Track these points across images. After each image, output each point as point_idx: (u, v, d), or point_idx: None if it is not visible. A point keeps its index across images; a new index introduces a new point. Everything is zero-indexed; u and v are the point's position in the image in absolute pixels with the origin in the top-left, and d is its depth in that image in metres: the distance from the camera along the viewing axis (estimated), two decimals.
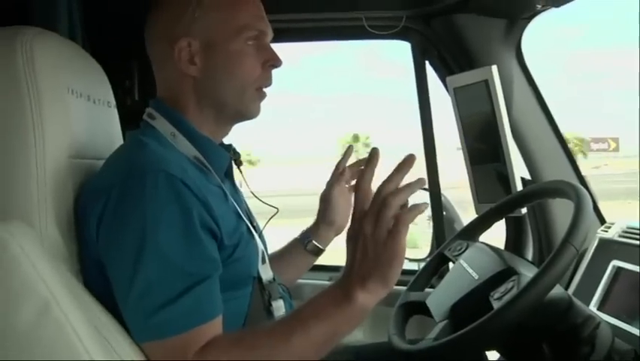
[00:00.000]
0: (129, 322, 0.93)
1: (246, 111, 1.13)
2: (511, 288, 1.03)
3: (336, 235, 1.41)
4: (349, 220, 0.95)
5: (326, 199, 1.39)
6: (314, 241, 1.39)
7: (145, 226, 0.91)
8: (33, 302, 0.80)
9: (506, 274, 1.08)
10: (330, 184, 1.39)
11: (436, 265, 1.33)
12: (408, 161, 0.93)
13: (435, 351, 1.02)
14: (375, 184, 0.94)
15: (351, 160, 1.40)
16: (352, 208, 0.95)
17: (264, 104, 1.15)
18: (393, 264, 0.91)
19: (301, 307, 0.97)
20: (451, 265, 1.31)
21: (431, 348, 1.03)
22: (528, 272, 1.06)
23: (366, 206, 0.92)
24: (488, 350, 1.28)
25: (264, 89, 1.13)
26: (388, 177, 0.92)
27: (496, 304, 1.01)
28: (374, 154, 0.95)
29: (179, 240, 0.92)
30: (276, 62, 1.12)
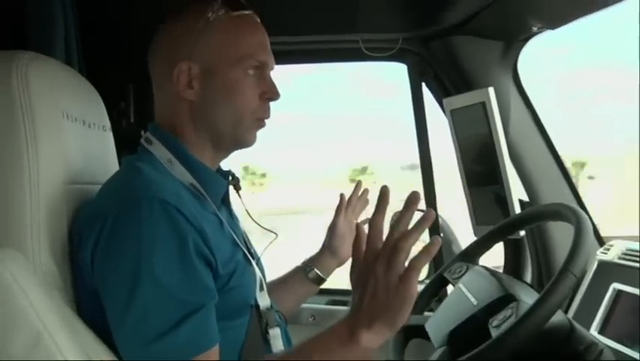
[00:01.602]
0: (124, 352, 0.91)
1: (242, 140, 1.12)
2: (510, 315, 1.02)
3: (339, 265, 1.41)
4: (356, 258, 0.93)
5: (332, 229, 1.40)
6: (316, 270, 1.39)
7: (140, 254, 0.90)
8: (25, 333, 0.79)
9: (505, 300, 1.07)
10: (338, 215, 1.40)
11: (436, 288, 1.33)
12: (413, 199, 0.91)
13: None
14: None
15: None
16: (363, 247, 0.92)
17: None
18: (402, 308, 0.89)
19: (306, 342, 0.95)
20: (449, 287, 1.30)
21: None
22: (527, 298, 1.06)
23: (378, 247, 0.90)
24: None
25: (264, 121, 1.12)
26: (398, 219, 0.90)
27: (494, 332, 1.00)
28: (384, 193, 0.92)
29: (174, 268, 0.91)
30: (273, 95, 1.11)
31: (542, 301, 0.95)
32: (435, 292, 1.33)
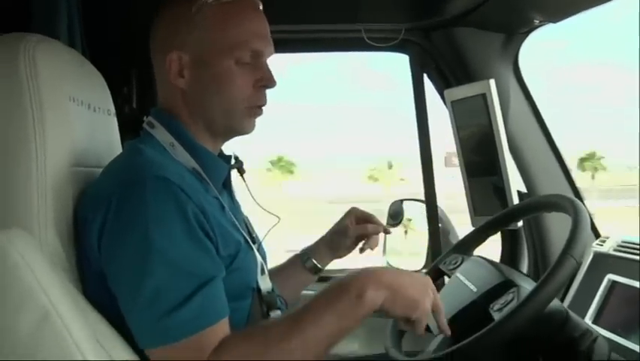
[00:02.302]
0: (137, 329, 0.92)
1: (237, 128, 1.12)
2: (512, 300, 1.04)
3: (335, 258, 1.41)
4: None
5: (344, 232, 1.38)
6: (313, 260, 1.39)
7: (147, 233, 0.91)
8: (33, 311, 0.80)
9: (505, 286, 1.09)
10: (358, 217, 1.38)
11: (432, 280, 1.34)
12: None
13: None
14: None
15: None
16: None
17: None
18: (415, 307, 0.97)
19: (313, 301, 0.96)
20: (446, 279, 1.31)
21: (433, 359, 1.04)
22: (526, 284, 1.07)
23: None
24: None
25: (260, 108, 1.12)
26: None
27: (496, 316, 1.02)
28: None
29: (182, 243, 0.93)
30: (268, 82, 1.10)
31: (544, 284, 0.97)
32: None
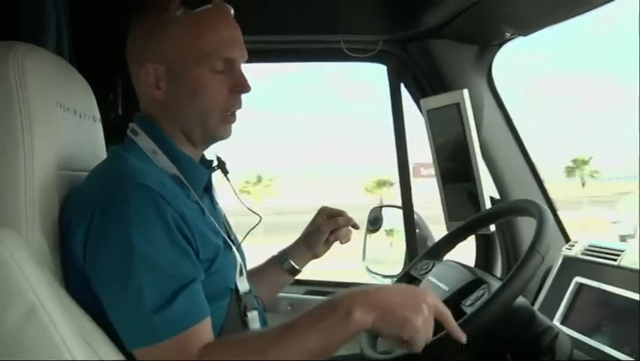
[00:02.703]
0: (123, 331, 0.95)
1: (214, 134, 1.14)
2: (482, 295, 1.08)
3: (312, 258, 1.44)
4: None
5: (318, 229, 1.41)
6: (290, 261, 1.42)
7: (130, 238, 0.94)
8: (20, 306, 0.83)
9: (476, 283, 1.14)
10: (329, 215, 1.42)
11: None
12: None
13: (413, 358, 1.03)
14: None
15: None
16: None
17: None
18: (404, 325, 0.95)
19: (300, 316, 0.98)
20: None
21: (406, 356, 1.06)
22: (496, 282, 1.11)
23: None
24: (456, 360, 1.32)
25: (233, 114, 1.14)
26: None
27: (468, 311, 1.06)
28: None
29: (163, 247, 0.96)
30: (242, 88, 1.12)
31: (513, 278, 1.02)
32: None
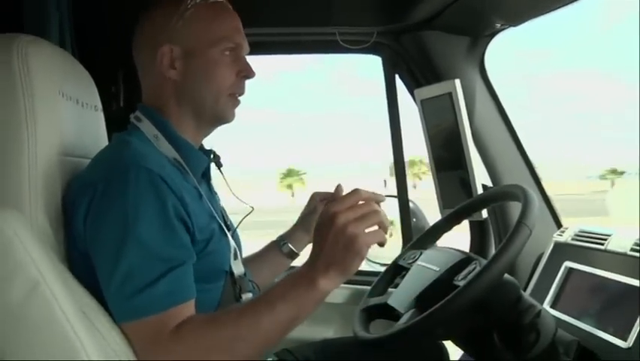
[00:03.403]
0: (112, 305, 1.00)
1: (222, 115, 1.22)
2: (474, 268, 1.11)
3: (310, 241, 1.48)
4: (324, 211, 1.03)
5: (313, 209, 1.49)
6: (289, 244, 1.48)
7: (126, 217, 0.99)
8: (23, 281, 0.88)
9: (467, 261, 1.16)
10: (322, 198, 1.49)
11: (392, 275, 1.39)
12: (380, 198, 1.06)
13: (407, 332, 1.07)
14: None
15: None
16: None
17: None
18: (357, 259, 1.00)
19: (269, 290, 1.04)
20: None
21: (403, 330, 1.08)
22: (487, 258, 1.14)
23: (344, 205, 1.01)
24: (446, 338, 1.35)
25: (238, 97, 1.22)
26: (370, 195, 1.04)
27: (462, 284, 1.07)
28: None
29: (156, 229, 1.01)
30: (248, 73, 1.22)
31: (504, 250, 1.05)
32: (391, 278, 1.39)
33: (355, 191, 1.03)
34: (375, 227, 1.01)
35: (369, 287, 1.39)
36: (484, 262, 1.11)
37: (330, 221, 1.00)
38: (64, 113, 1.14)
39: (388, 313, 1.24)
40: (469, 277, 1.08)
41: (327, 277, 1.00)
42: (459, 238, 1.53)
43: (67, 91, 1.16)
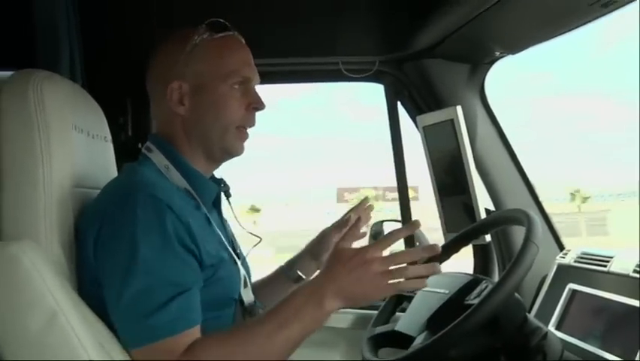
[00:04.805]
0: (121, 330, 1.02)
1: (229, 149, 1.23)
2: (486, 287, 1.13)
3: (318, 268, 1.46)
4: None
5: (323, 236, 1.49)
6: (297, 271, 1.48)
7: (133, 243, 1.01)
8: (42, 312, 0.91)
9: (476, 281, 1.18)
10: (335, 226, 1.49)
11: (395, 303, 1.41)
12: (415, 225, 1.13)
13: (423, 353, 1.09)
14: None
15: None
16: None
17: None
18: (371, 295, 1.05)
19: (278, 307, 1.06)
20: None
21: (418, 351, 1.10)
22: (496, 278, 1.16)
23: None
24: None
25: (247, 130, 1.23)
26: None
27: (475, 302, 1.09)
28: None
29: (163, 255, 1.03)
30: (258, 105, 1.23)
31: (514, 267, 1.07)
32: (394, 307, 1.41)
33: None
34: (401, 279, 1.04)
35: (373, 311, 1.40)
36: (494, 280, 1.13)
37: (358, 253, 1.04)
38: (76, 145, 1.17)
39: (396, 340, 1.25)
40: (483, 294, 1.10)
41: (334, 302, 1.04)
42: (456, 263, 1.54)
43: (79, 124, 1.19)
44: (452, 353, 1.19)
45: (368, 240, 2.04)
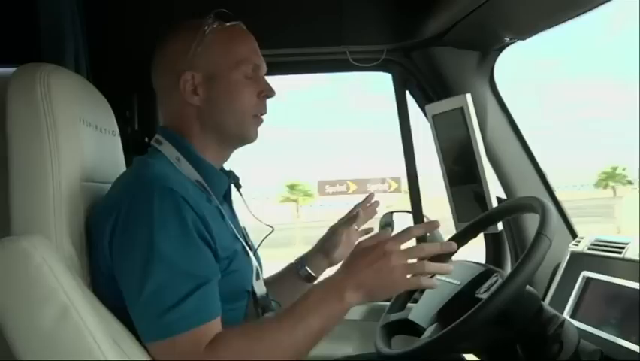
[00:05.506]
0: (140, 325, 1.01)
1: (246, 136, 1.23)
2: (496, 281, 1.12)
3: (329, 266, 1.50)
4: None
5: (333, 232, 1.50)
6: (307, 268, 1.47)
7: (151, 236, 1.00)
8: (54, 307, 0.90)
9: (487, 273, 1.17)
10: (343, 221, 1.51)
11: (410, 291, 1.39)
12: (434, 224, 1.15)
13: (432, 346, 1.09)
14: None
15: None
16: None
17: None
18: (390, 289, 1.07)
19: (298, 302, 1.06)
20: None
21: (427, 344, 1.10)
22: (507, 270, 1.15)
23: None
24: (469, 352, 1.35)
25: (261, 116, 1.24)
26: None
27: (484, 297, 1.08)
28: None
29: (182, 247, 1.02)
30: (270, 92, 1.23)
31: (525, 261, 1.06)
32: (409, 294, 1.40)
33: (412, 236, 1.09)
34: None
35: (386, 303, 1.39)
36: (505, 274, 1.12)
37: (377, 246, 1.05)
38: (84, 139, 1.16)
39: (409, 328, 1.25)
40: (492, 289, 1.09)
41: (355, 295, 1.05)
42: (470, 249, 1.53)
43: (86, 118, 1.18)
44: (463, 345, 1.19)
45: (378, 230, 2.04)
